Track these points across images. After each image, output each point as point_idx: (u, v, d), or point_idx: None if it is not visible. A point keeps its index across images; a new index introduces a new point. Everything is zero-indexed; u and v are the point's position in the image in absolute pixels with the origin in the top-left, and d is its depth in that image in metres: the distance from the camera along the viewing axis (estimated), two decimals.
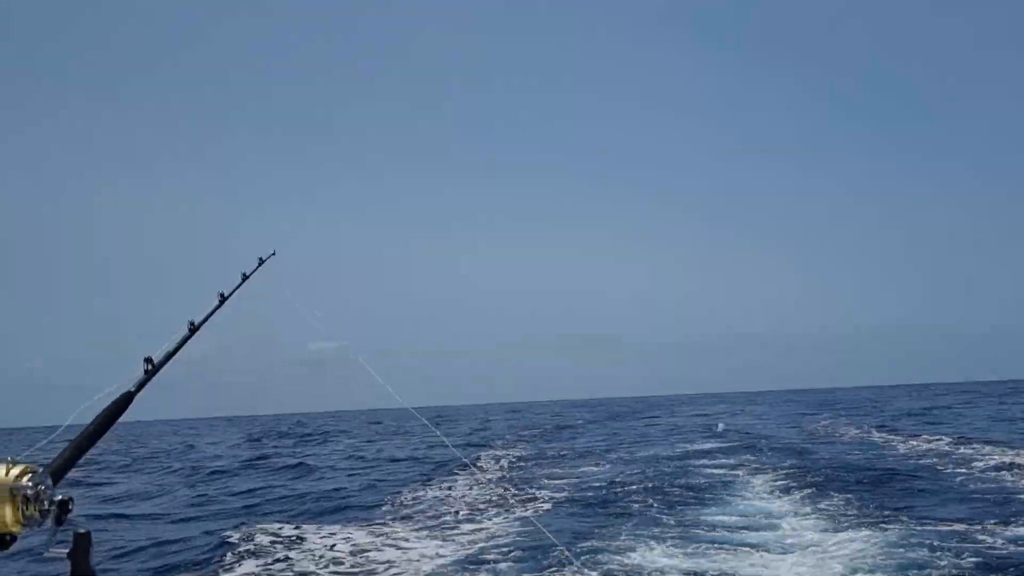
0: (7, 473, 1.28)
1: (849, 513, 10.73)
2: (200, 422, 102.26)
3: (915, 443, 20.27)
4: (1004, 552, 8.13)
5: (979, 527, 9.42)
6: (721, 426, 31.95)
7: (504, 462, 20.99)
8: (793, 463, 16.42)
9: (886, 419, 32.72)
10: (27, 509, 1.28)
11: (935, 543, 8.43)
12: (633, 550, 8.91)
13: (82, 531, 1.41)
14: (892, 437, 22.88)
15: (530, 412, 69.85)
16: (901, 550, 8.19)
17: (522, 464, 20.30)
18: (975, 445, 18.74)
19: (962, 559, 7.72)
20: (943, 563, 7.61)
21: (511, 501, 13.43)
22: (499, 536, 10.27)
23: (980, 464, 15.04)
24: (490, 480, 16.74)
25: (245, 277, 2.89)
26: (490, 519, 11.74)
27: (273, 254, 3.18)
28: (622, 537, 9.65)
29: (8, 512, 1.26)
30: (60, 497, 1.34)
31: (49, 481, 1.34)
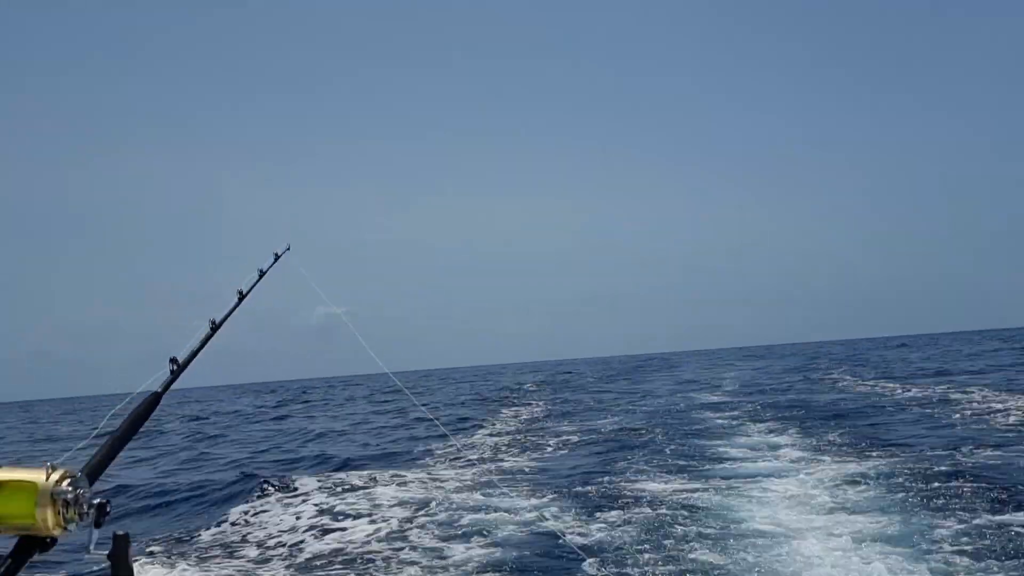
0: (47, 478, 1.32)
1: (842, 444, 11.74)
2: (217, 390, 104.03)
3: (914, 391, 21.01)
4: (971, 465, 9.22)
5: (955, 451, 10.47)
6: (732, 377, 32.86)
7: (521, 415, 22.17)
8: (794, 410, 17.41)
9: (887, 369, 33.64)
10: (67, 512, 1.32)
11: (914, 464, 9.49)
12: (639, 480, 10.01)
13: (121, 533, 1.44)
14: (891, 385, 23.75)
15: (537, 370, 71.21)
16: (885, 471, 9.27)
17: (535, 417, 21.46)
18: (968, 389, 19.50)
19: (934, 471, 8.83)
20: (919, 476, 8.69)
21: (526, 446, 14.62)
22: (515, 472, 11.45)
23: (973, 407, 15.76)
24: (506, 431, 17.90)
25: (262, 273, 2.95)
26: (507, 459, 12.94)
27: (288, 249, 3.25)
28: (629, 471, 10.76)
29: (49, 516, 1.30)
30: (98, 500, 1.38)
31: (87, 484, 1.39)
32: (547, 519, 7.97)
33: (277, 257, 3.14)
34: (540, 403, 26.98)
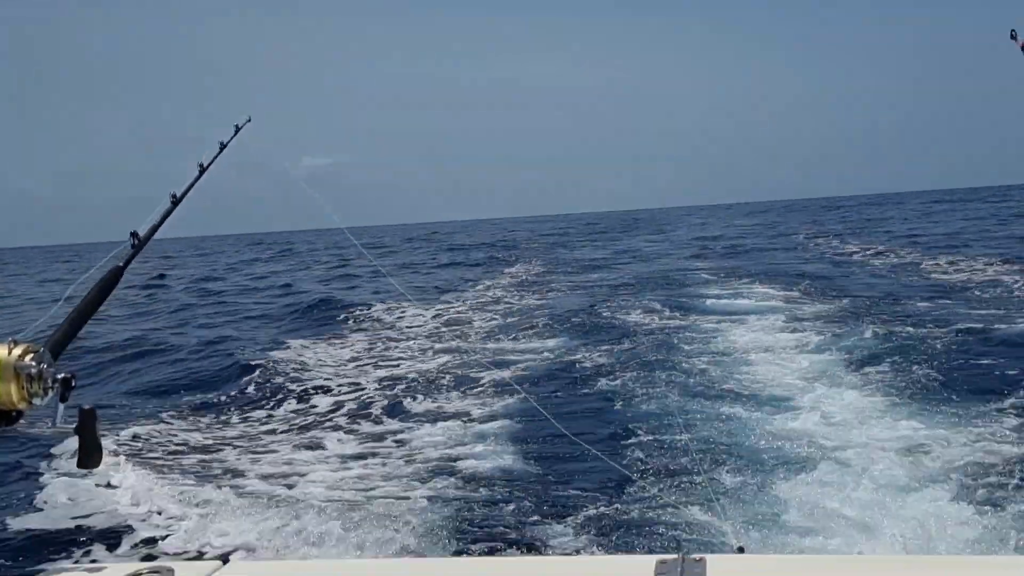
0: (10, 353, 1.35)
1: (810, 293, 13.61)
2: (207, 240, 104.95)
3: (890, 257, 21.40)
4: (896, 305, 11.31)
5: (894, 297, 12.51)
6: (718, 235, 34.68)
7: (522, 269, 24.20)
8: (770, 268, 19.19)
9: (862, 231, 35.03)
10: (31, 387, 1.36)
11: (855, 306, 11.67)
12: (629, 314, 12.26)
13: (87, 407, 1.46)
14: (859, 246, 25.06)
15: (524, 228, 72.88)
16: (835, 311, 11.38)
17: (536, 271, 23.47)
18: (943, 255, 20.14)
19: (869, 308, 11.07)
20: (858, 312, 10.82)
21: (531, 292, 16.72)
22: (524, 311, 13.63)
23: (963, 275, 16.06)
24: (514, 282, 19.95)
25: (223, 146, 2.94)
26: (518, 301, 15.20)
27: (249, 120, 3.20)
28: (622, 307, 13.08)
29: (13, 390, 1.34)
30: (63, 375, 1.41)
31: (50, 358, 1.41)
32: (559, 350, 9.93)
33: (238, 129, 3.12)
34: (536, 260, 28.81)
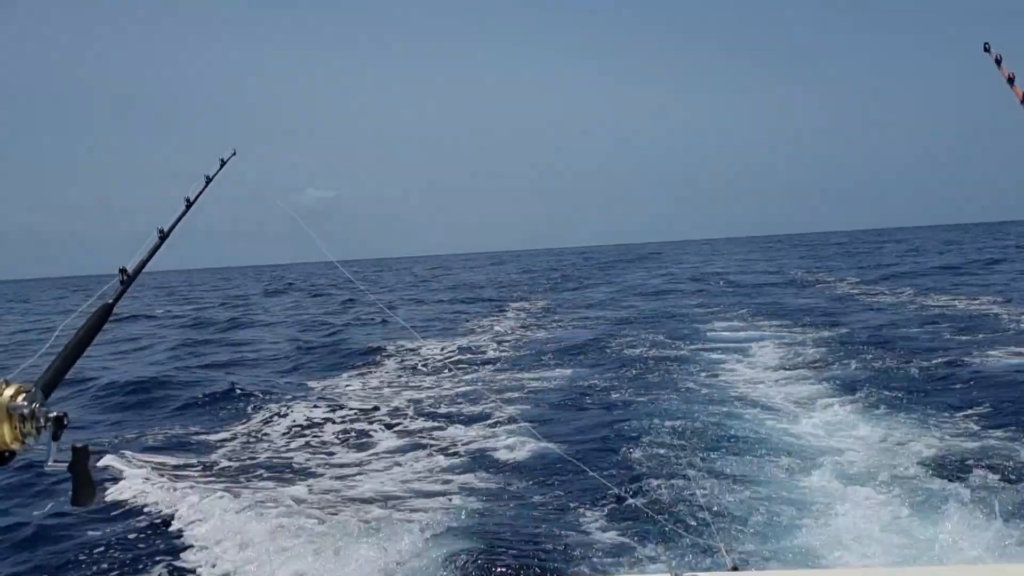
0: (1, 393, 1.35)
1: (806, 326, 14.11)
2: (196, 273, 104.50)
3: (885, 297, 21.55)
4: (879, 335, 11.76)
5: (879, 329, 12.97)
6: (718, 271, 35.09)
7: (527, 304, 24.66)
8: (769, 302, 19.52)
9: (868, 270, 35.27)
10: (24, 427, 1.35)
11: (843, 335, 12.31)
12: (632, 346, 12.79)
13: (79, 445, 1.45)
14: (855, 282, 25.30)
15: (527, 261, 73.03)
16: (824, 339, 11.92)
17: (541, 305, 23.91)
18: (933, 296, 20.67)
19: (853, 339, 11.66)
20: (844, 340, 11.60)
21: (536, 326, 17.11)
22: (529, 343, 14.13)
23: (953, 307, 16.71)
24: (519, 316, 20.35)
25: (208, 180, 2.92)
26: (524, 334, 15.79)
27: (234, 154, 3.18)
28: (625, 340, 13.56)
29: (6, 431, 1.34)
30: (55, 414, 1.39)
31: (42, 397, 1.40)
32: (563, 380, 10.37)
33: (223, 163, 3.10)
34: (540, 294, 29.13)
